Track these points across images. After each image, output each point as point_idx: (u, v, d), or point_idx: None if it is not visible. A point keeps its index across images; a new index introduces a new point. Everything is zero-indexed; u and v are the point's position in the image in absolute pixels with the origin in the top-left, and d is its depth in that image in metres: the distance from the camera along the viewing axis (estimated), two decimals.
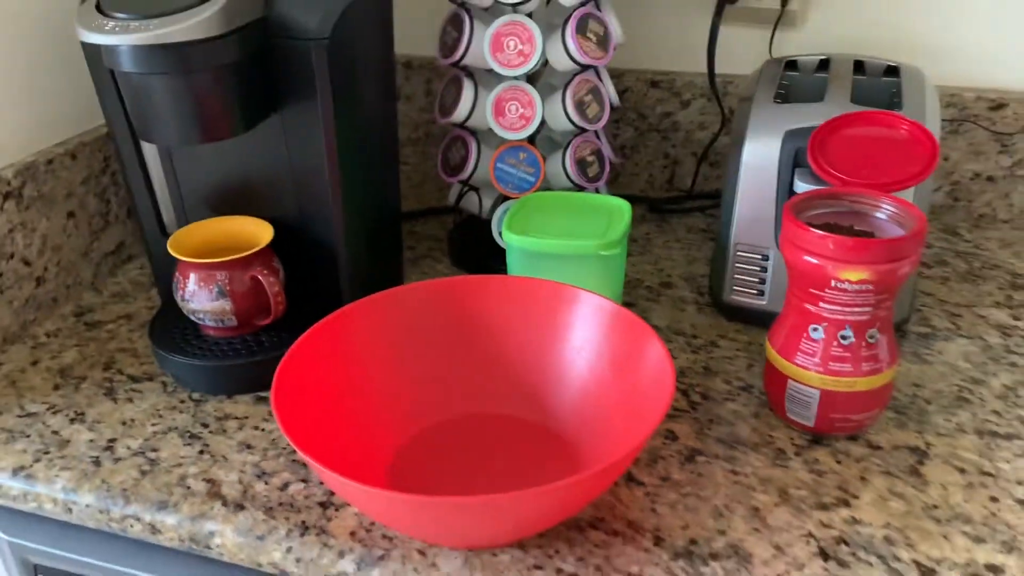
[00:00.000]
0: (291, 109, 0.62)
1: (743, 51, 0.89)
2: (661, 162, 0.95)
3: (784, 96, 0.70)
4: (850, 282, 0.52)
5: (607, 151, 0.77)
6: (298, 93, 0.60)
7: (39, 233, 0.73)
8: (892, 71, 0.74)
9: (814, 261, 0.53)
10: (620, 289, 0.67)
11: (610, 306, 0.57)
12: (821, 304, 0.54)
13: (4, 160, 0.71)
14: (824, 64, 0.75)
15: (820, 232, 0.52)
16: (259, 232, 0.65)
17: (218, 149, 0.66)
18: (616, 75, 0.92)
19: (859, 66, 0.75)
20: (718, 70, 0.90)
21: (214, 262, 0.61)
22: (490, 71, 0.73)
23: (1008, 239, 0.83)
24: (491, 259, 0.78)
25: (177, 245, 0.63)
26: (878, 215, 0.56)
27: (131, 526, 0.55)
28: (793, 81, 0.74)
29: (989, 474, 0.54)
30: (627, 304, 0.74)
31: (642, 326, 0.54)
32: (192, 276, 0.62)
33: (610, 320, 0.57)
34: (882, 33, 0.85)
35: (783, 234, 0.55)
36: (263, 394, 0.64)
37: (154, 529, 0.54)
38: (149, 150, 0.68)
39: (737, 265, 0.69)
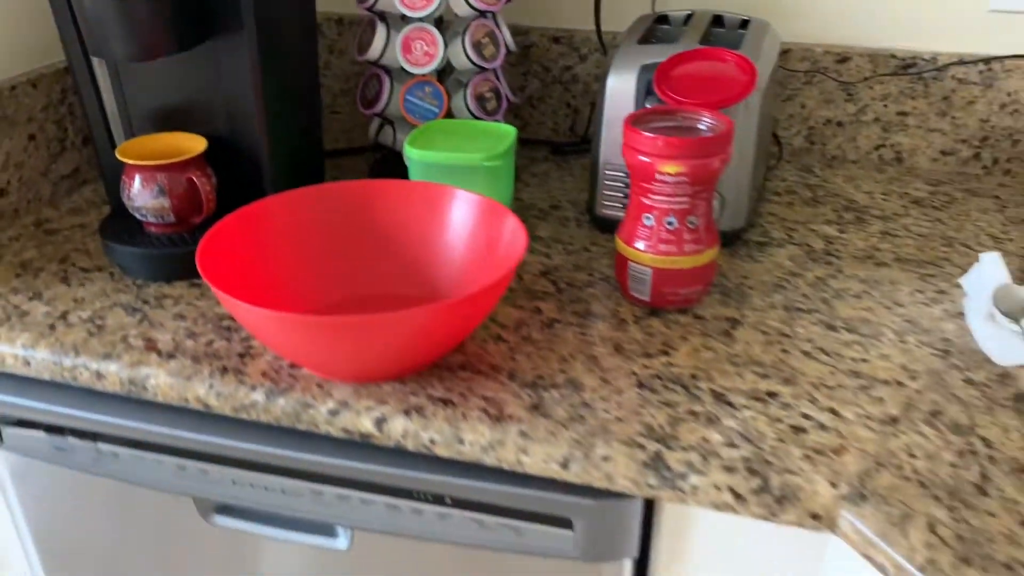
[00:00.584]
0: (223, 38, 0.73)
1: (634, 9, 1.02)
2: (564, 111, 1.07)
3: (645, 40, 0.82)
4: (669, 174, 0.65)
5: (504, 89, 0.89)
6: (229, 24, 0.72)
7: (2, 150, 0.83)
8: (745, 24, 0.87)
9: (644, 159, 0.65)
10: (508, 202, 0.79)
11: (478, 198, 0.69)
12: (650, 196, 0.67)
13: None
14: (689, 18, 0.88)
15: (648, 134, 0.65)
16: (194, 144, 0.77)
17: (159, 72, 0.77)
18: (522, 31, 1.04)
19: (718, 20, 0.88)
20: (610, 28, 1.03)
21: (156, 164, 0.72)
22: (401, 16, 0.85)
23: (852, 175, 0.96)
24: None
25: (124, 152, 0.74)
26: (700, 126, 0.68)
27: (80, 375, 0.66)
28: (659, 31, 0.87)
29: (786, 335, 0.67)
30: None
31: (502, 209, 0.66)
32: (137, 177, 0.73)
33: (478, 208, 0.69)
34: None
35: (624, 141, 0.67)
36: (196, 281, 0.75)
37: (99, 375, 0.65)
38: (101, 76, 0.78)
39: (605, 183, 0.81)
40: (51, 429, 0.70)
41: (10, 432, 0.72)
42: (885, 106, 0.96)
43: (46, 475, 0.74)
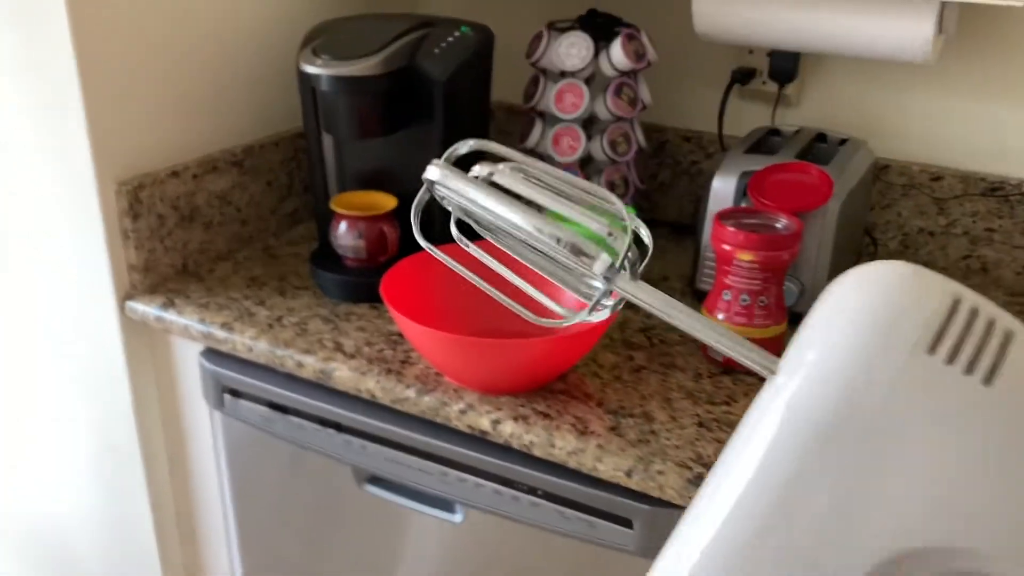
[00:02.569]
0: (418, 124, 0.97)
1: (755, 121, 1.19)
2: (688, 198, 1.25)
3: (755, 148, 1.00)
4: (744, 261, 0.82)
5: (633, 179, 1.08)
6: (424, 114, 0.96)
7: (248, 191, 1.11)
8: (843, 142, 1.02)
9: (725, 247, 0.83)
10: None
11: None
12: (729, 277, 0.84)
13: (237, 140, 1.09)
14: (797, 133, 1.05)
15: (731, 228, 0.82)
16: (387, 202, 1.01)
17: (369, 146, 1.02)
18: (658, 130, 1.24)
19: (822, 137, 1.04)
20: (735, 132, 1.21)
21: (358, 215, 0.97)
22: (554, 115, 1.07)
23: None
24: None
25: (336, 203, 0.99)
26: (778, 225, 0.85)
27: (286, 363, 0.90)
28: (769, 142, 1.04)
29: None
30: None
31: None
32: (343, 223, 0.98)
33: None
34: (858, 116, 1.13)
35: (712, 233, 0.85)
36: (376, 304, 0.99)
37: (300, 365, 0.89)
38: (327, 145, 1.04)
39: (705, 263, 0.99)
40: (261, 401, 0.95)
41: (230, 400, 0.97)
42: (974, 222, 1.08)
43: (250, 436, 0.99)
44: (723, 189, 0.96)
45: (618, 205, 0.37)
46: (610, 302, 0.36)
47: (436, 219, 1.00)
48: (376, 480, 0.92)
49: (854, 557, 0.28)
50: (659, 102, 1.25)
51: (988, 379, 0.27)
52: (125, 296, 1.00)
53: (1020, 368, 0.27)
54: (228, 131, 1.09)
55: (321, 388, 0.91)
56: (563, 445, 0.76)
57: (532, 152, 1.10)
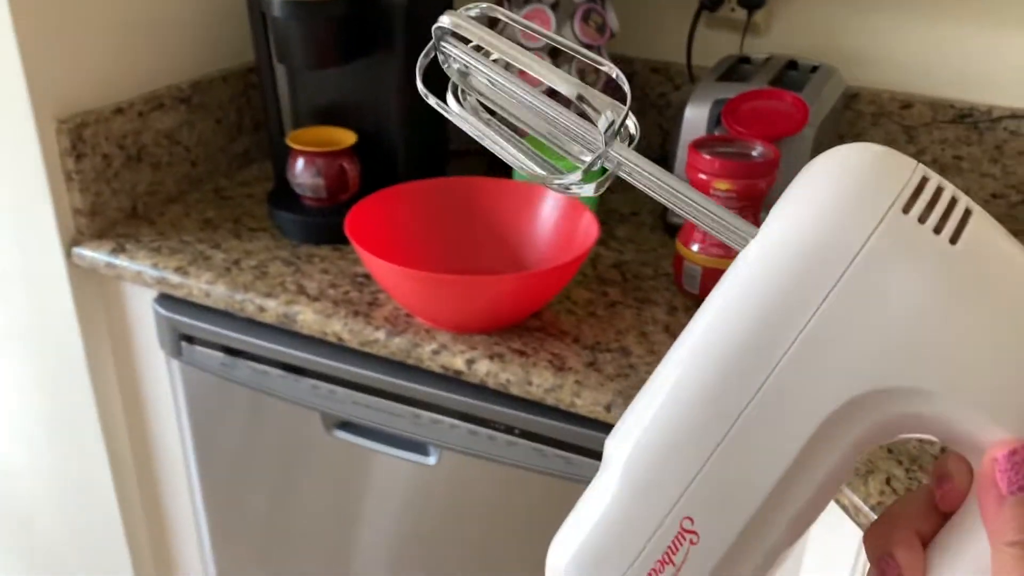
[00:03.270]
0: (378, 54, 0.92)
1: (726, 48, 1.16)
2: (656, 131, 1.22)
3: (725, 77, 0.97)
4: (721, 190, 0.79)
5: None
6: (383, 44, 0.91)
7: (197, 130, 1.05)
8: (815, 69, 1.00)
9: (701, 176, 0.80)
10: (593, 204, 0.95)
11: (562, 197, 0.85)
12: None
13: (184, 75, 1.03)
14: (767, 60, 1.02)
15: (706, 156, 0.80)
16: (346, 138, 0.96)
17: (326, 77, 0.97)
18: (626, 60, 1.20)
19: (793, 64, 1.02)
20: (703, 63, 1.17)
21: (316, 151, 0.92)
22: (519, 43, 1.03)
23: None
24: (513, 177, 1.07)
25: (292, 139, 0.94)
26: (754, 153, 0.83)
27: (246, 307, 0.86)
28: (740, 70, 1.01)
29: None
30: (600, 222, 1.02)
31: (581, 207, 0.83)
32: (300, 160, 0.93)
33: (562, 205, 0.85)
34: (827, 43, 1.11)
35: (687, 161, 0.82)
36: (339, 245, 0.95)
37: (261, 309, 0.85)
38: (280, 77, 0.99)
39: None
40: (220, 347, 0.91)
41: (188, 348, 0.93)
42: (942, 150, 1.07)
43: (210, 384, 0.95)
44: (696, 118, 0.93)
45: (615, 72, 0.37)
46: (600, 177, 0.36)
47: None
48: (346, 425, 0.89)
49: (813, 404, 0.30)
50: (625, 31, 1.21)
51: (954, 240, 0.30)
52: (72, 242, 0.94)
53: (978, 236, 0.30)
54: (174, 65, 1.03)
55: (284, 332, 0.88)
56: (540, 382, 0.74)
57: None
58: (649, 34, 1.20)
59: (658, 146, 1.23)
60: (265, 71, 0.96)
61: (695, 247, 0.83)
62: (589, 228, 0.81)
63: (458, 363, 0.77)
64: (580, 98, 0.34)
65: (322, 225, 0.94)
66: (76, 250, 0.94)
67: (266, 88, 0.98)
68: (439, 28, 0.37)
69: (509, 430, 0.79)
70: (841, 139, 1.12)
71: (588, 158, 0.35)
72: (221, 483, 1.01)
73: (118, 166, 0.96)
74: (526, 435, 0.78)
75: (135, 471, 1.12)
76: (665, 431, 0.31)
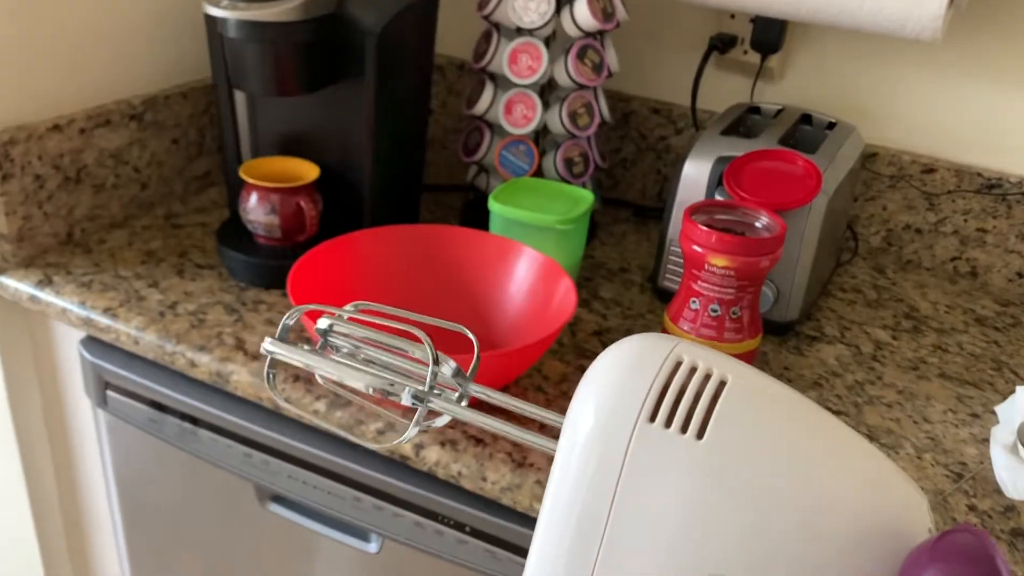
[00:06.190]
0: (347, 83, 0.82)
1: (734, 95, 1.07)
2: (654, 177, 1.13)
3: (732, 129, 0.87)
4: (717, 267, 0.70)
5: (593, 155, 0.95)
6: (353, 71, 0.81)
7: (150, 150, 0.96)
8: (832, 126, 0.91)
9: (696, 249, 0.71)
10: (576, 261, 0.86)
11: (541, 258, 0.76)
12: (699, 283, 0.72)
13: (136, 90, 0.94)
14: (779, 112, 0.93)
15: (702, 227, 0.70)
16: (309, 171, 0.86)
17: (288, 105, 0.87)
18: (624, 99, 1.11)
19: (807, 118, 0.92)
20: (710, 107, 1.08)
21: (271, 186, 0.82)
22: (507, 78, 0.93)
23: (923, 283, 0.98)
24: (489, 228, 0.97)
25: (247, 170, 0.85)
26: (757, 224, 0.73)
27: (177, 360, 0.76)
28: (749, 121, 0.92)
29: None
30: (585, 279, 0.93)
31: (560, 272, 0.73)
32: (254, 194, 0.83)
33: (540, 267, 0.76)
34: (846, 95, 1.01)
35: (682, 229, 0.73)
36: None
37: (193, 364, 0.75)
38: (239, 101, 0.89)
39: (670, 258, 0.87)
40: (147, 402, 0.81)
41: (114, 398, 0.83)
42: (966, 221, 0.98)
43: (137, 440, 0.85)
44: (695, 175, 0.83)
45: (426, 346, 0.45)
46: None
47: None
48: (280, 500, 0.79)
49: None
50: (626, 68, 1.12)
51: (700, 434, 0.35)
52: None
53: (728, 414, 0.35)
54: (126, 79, 0.93)
55: (218, 392, 0.78)
56: (496, 479, 0.64)
57: (481, 120, 0.96)
58: (651, 72, 1.10)
59: (655, 195, 1.13)
60: (223, 93, 0.87)
61: (685, 326, 0.73)
62: (567, 297, 0.71)
63: (405, 447, 0.67)
64: (381, 391, 0.44)
65: (273, 268, 0.84)
66: None
67: (223, 112, 0.88)
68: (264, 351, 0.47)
69: (459, 527, 0.69)
70: (855, 202, 1.02)
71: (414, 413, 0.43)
72: (151, 546, 0.92)
73: (52, 188, 0.87)
74: (478, 534, 0.68)
75: (62, 524, 1.02)
76: None
